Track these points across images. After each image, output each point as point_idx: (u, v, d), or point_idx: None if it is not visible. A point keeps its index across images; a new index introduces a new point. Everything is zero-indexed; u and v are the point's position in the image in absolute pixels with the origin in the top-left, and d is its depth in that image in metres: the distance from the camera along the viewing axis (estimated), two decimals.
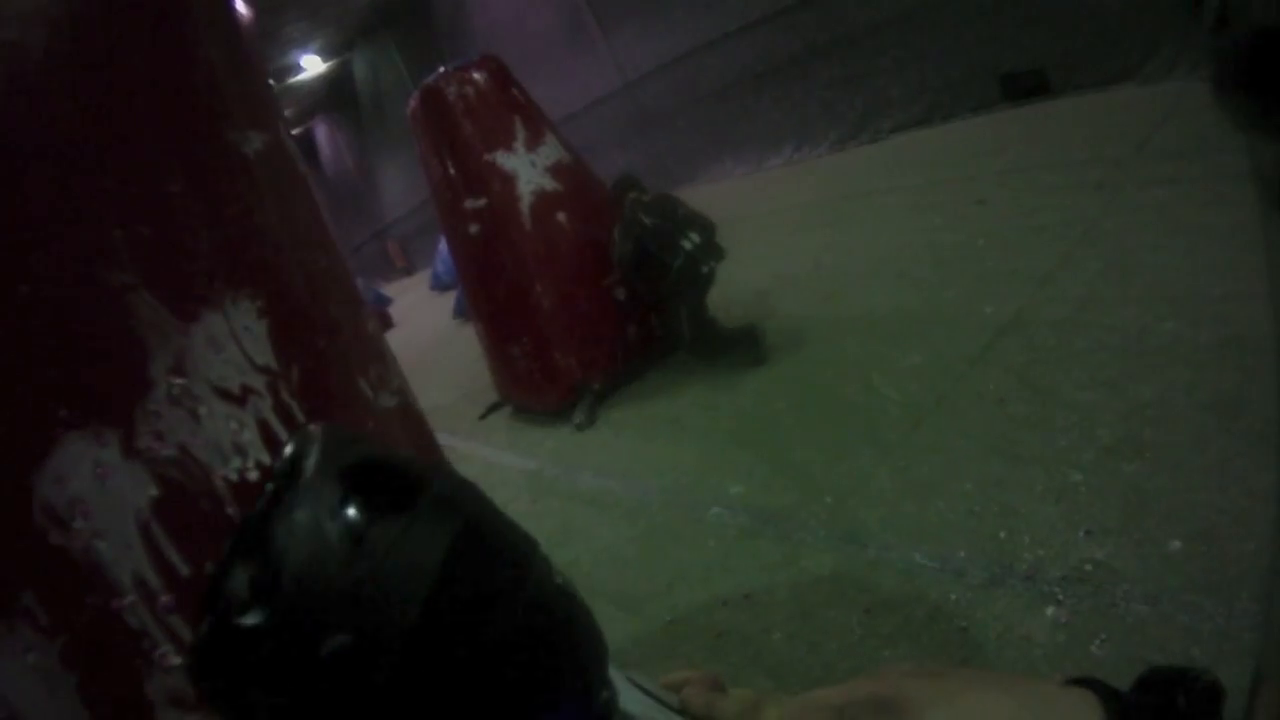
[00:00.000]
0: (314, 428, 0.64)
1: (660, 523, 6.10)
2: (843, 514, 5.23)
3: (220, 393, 1.52)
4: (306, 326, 1.77)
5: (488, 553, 0.62)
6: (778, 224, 12.88)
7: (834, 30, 15.26)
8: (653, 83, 19.59)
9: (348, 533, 0.56)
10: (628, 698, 0.75)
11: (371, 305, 23.24)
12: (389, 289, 32.39)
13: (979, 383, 5.90)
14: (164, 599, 1.40)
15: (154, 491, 1.41)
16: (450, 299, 19.56)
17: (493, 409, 10.86)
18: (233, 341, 1.56)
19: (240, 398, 1.55)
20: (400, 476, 0.61)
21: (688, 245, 7.90)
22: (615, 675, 0.75)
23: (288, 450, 0.60)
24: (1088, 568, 3.87)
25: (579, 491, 7.34)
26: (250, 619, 0.53)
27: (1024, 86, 12.74)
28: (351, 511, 0.57)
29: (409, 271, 40.47)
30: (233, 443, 1.52)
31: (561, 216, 9.10)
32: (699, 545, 5.54)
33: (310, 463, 0.58)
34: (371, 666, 0.53)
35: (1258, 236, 0.66)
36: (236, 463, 1.52)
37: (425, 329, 20.22)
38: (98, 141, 1.49)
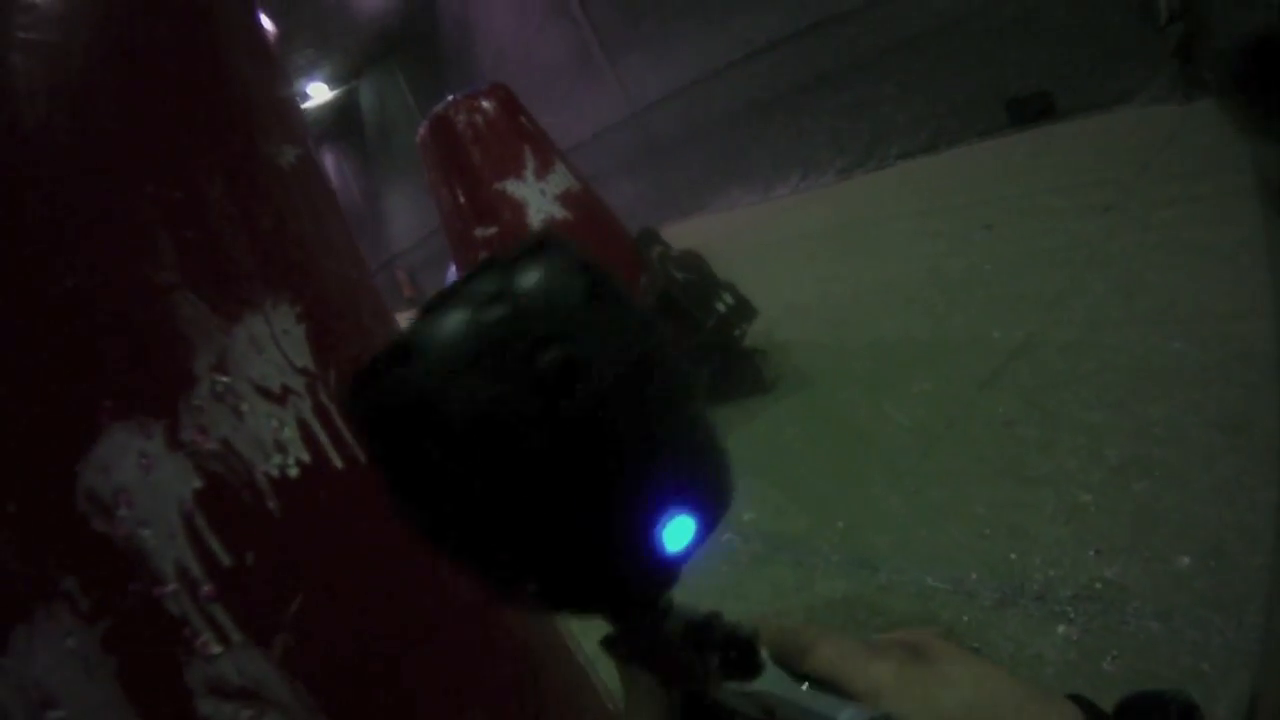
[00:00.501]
0: (549, 230, 0.68)
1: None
2: (855, 539, 5.25)
3: (262, 391, 1.56)
4: (341, 332, 1.81)
5: (677, 359, 0.66)
6: (786, 253, 12.85)
7: (840, 57, 15.30)
8: (660, 111, 19.63)
9: (584, 285, 0.61)
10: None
11: None
12: (400, 318, 32.34)
13: (988, 407, 5.90)
14: (206, 588, 1.43)
15: (197, 483, 1.44)
16: None
17: None
18: (273, 343, 1.60)
19: (281, 397, 1.59)
20: (621, 286, 0.66)
21: (721, 307, 7.89)
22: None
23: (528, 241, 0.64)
24: (1098, 586, 3.88)
25: None
26: (479, 314, 0.58)
27: (1030, 110, 12.75)
28: (588, 276, 0.62)
29: (415, 302, 40.41)
30: (274, 440, 1.56)
31: None
32: (712, 571, 5.51)
33: (554, 241, 0.64)
34: (575, 390, 0.56)
35: (1262, 255, 0.69)
36: (278, 459, 1.56)
37: None
38: (139, 146, 1.54)
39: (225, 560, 1.45)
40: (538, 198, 9.11)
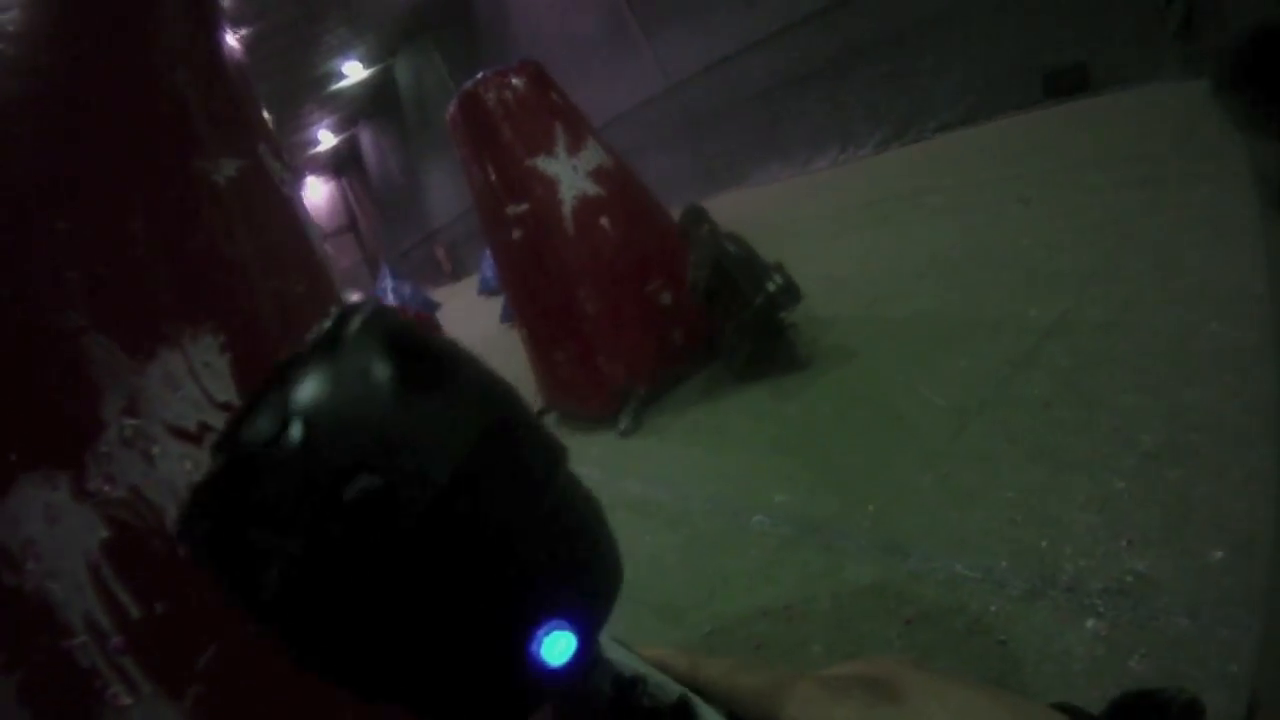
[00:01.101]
0: (361, 299, 0.63)
1: (703, 531, 6.08)
2: (885, 523, 5.18)
3: (175, 432, 1.50)
4: (273, 360, 1.72)
5: (521, 443, 0.61)
6: (824, 226, 12.81)
7: (877, 30, 15.27)
8: (696, 85, 19.63)
9: (388, 387, 0.55)
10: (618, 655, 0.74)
11: (419, 311, 23.40)
12: (438, 293, 32.55)
13: (1023, 387, 5.83)
14: (115, 640, 1.40)
15: (104, 533, 1.40)
16: (499, 303, 19.61)
17: (538, 414, 10.84)
18: (191, 379, 1.54)
19: (197, 436, 1.53)
20: (442, 359, 0.61)
21: (771, 287, 7.82)
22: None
23: (329, 318, 0.58)
24: (1129, 579, 3.79)
25: (623, 499, 7.31)
26: (273, 451, 0.51)
27: (1066, 83, 12.71)
28: (391, 372, 0.55)
29: (456, 276, 40.68)
30: (187, 484, 1.50)
31: (604, 221, 9.08)
32: (741, 554, 5.51)
33: (354, 325, 0.57)
34: (393, 518, 0.51)
35: None
36: None
37: (473, 334, 20.31)
38: (53, 180, 1.47)
39: (134, 611, 1.41)
40: (570, 174, 9.09)
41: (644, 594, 5.45)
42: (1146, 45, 11.65)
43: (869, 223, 11.78)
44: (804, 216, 13.83)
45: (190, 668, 1.45)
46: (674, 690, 0.73)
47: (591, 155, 9.34)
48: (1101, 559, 4.01)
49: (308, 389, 0.53)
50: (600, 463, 8.28)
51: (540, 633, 0.58)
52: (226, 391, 1.58)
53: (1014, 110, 13.51)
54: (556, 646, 0.59)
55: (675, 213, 10.12)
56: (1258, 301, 5.34)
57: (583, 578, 0.63)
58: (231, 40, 2.06)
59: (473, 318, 23.09)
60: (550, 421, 10.52)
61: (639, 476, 7.57)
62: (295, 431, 0.51)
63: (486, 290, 25.66)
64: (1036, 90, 13.15)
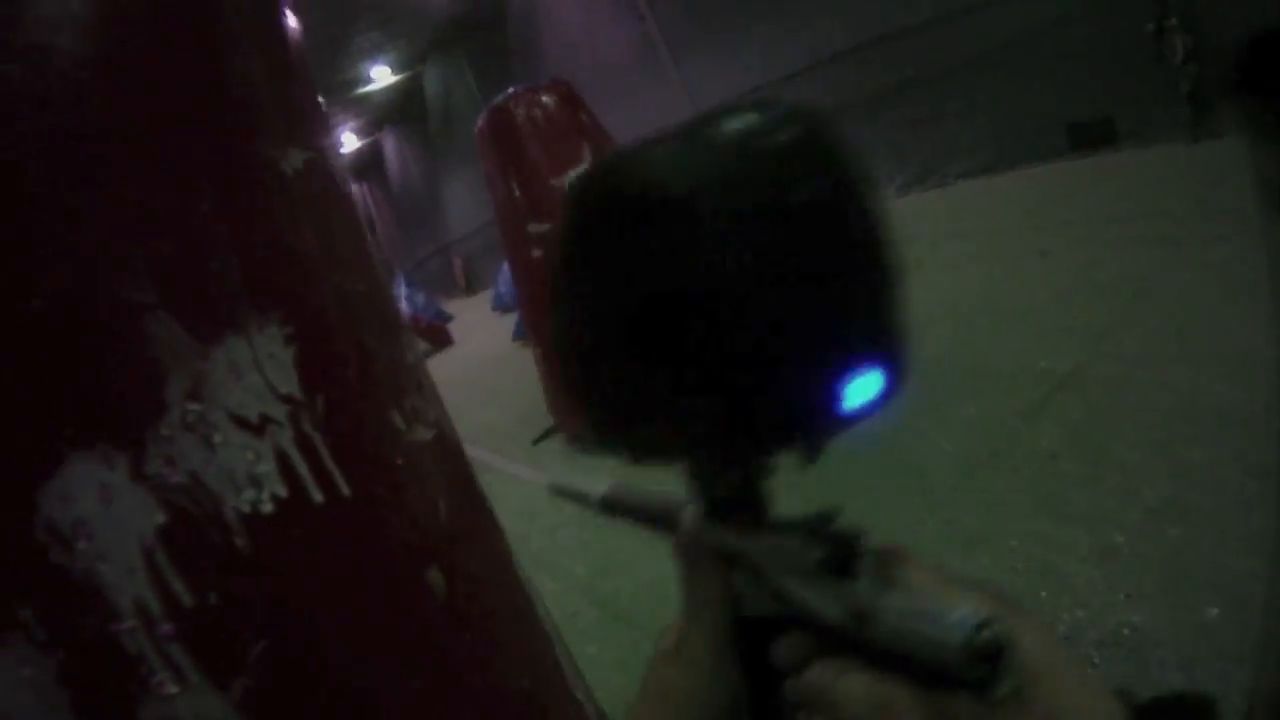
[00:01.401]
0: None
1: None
2: None
3: (238, 420, 1.50)
4: (337, 355, 1.73)
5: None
6: None
7: (903, 72, 15.25)
8: None
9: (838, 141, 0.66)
10: None
11: (432, 321, 23.33)
12: (452, 306, 32.45)
13: (1032, 438, 5.85)
14: (165, 627, 1.37)
15: (161, 518, 1.38)
16: (512, 320, 19.57)
17: (547, 434, 10.86)
18: (255, 368, 1.53)
19: (259, 427, 1.53)
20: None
21: None
22: None
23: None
24: (1125, 632, 3.82)
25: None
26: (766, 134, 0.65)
27: (1091, 136, 12.70)
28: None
29: (470, 291, 40.54)
30: (247, 473, 1.50)
31: None
32: None
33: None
34: (828, 218, 0.63)
35: None
36: (250, 494, 1.50)
37: (485, 349, 20.29)
38: (121, 153, 1.47)
39: (186, 599, 1.40)
40: None
41: (643, 619, 5.46)
42: (1172, 104, 11.67)
43: None
44: None
45: (241, 661, 1.44)
46: (852, 529, 0.77)
47: None
48: (1099, 610, 4.03)
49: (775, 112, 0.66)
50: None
51: (860, 366, 0.66)
52: (289, 384, 1.58)
53: (1037, 161, 13.49)
54: (865, 386, 0.67)
55: None
56: (1268, 365, 5.30)
57: (902, 337, 0.71)
58: (296, 32, 2.08)
59: (486, 332, 23.03)
60: (557, 441, 10.53)
61: None
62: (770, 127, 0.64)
63: (500, 307, 25.59)
64: (1061, 142, 13.13)
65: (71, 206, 1.39)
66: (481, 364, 18.75)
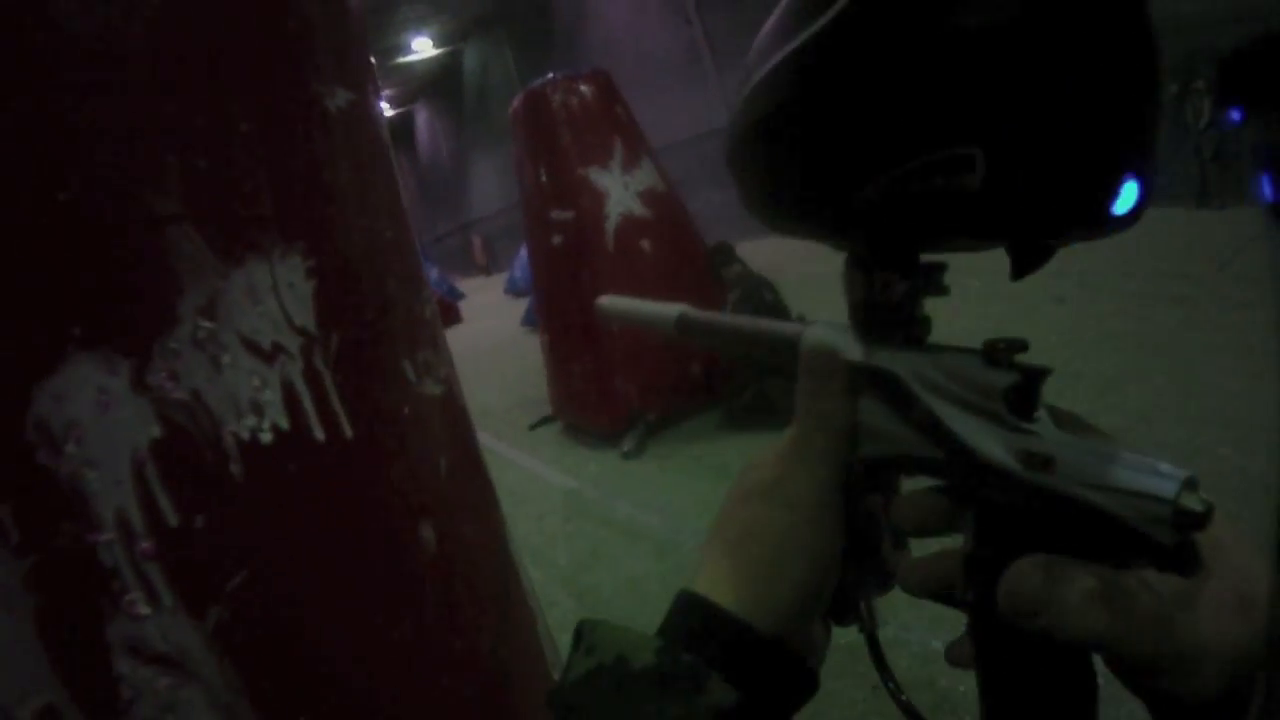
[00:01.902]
0: None
1: (689, 562, 5.96)
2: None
3: (249, 345, 1.46)
4: (357, 296, 1.70)
5: None
6: None
7: None
8: None
9: None
10: None
11: (443, 297, 23.41)
12: (465, 285, 32.59)
13: None
14: (144, 544, 1.33)
15: (156, 432, 1.35)
16: (523, 305, 19.65)
17: (544, 421, 10.90)
18: (273, 295, 1.50)
19: (270, 355, 1.49)
20: None
21: None
22: None
23: None
24: (1100, 681, 3.77)
25: (614, 519, 7.31)
26: None
27: None
28: None
29: (488, 272, 40.75)
30: (251, 399, 1.46)
31: (645, 243, 9.09)
32: None
33: None
34: (1143, 8, 0.55)
35: None
36: (251, 421, 1.46)
37: (493, 331, 20.38)
38: (166, 59, 1.44)
39: (172, 519, 1.36)
40: (620, 190, 9.11)
41: (618, 616, 5.44)
42: (1193, 166, 11.78)
43: None
44: (835, 275, 13.98)
45: (219, 589, 1.40)
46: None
47: (644, 176, 9.37)
48: None
49: None
50: (598, 480, 8.26)
51: (1133, 171, 0.60)
52: (305, 317, 1.55)
53: None
54: (1129, 193, 0.60)
55: None
56: (1272, 432, 5.33)
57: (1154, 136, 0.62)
58: None
59: (496, 315, 23.16)
60: (554, 429, 10.54)
61: (633, 500, 7.54)
62: None
63: (513, 291, 25.75)
64: None
65: (112, 106, 1.36)
66: (488, 345, 18.83)
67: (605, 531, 7.04)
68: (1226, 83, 0.60)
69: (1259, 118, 0.56)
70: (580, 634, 0.77)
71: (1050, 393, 0.65)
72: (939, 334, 0.75)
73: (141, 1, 1.40)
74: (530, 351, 12.59)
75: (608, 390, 9.12)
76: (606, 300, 1.18)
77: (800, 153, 0.68)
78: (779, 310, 7.97)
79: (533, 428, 10.86)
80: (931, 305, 0.78)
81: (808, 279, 8.26)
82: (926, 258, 0.76)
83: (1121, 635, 0.60)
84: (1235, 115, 0.54)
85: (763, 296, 8.12)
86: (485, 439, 10.68)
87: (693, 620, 0.77)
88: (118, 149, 1.36)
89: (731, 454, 7.94)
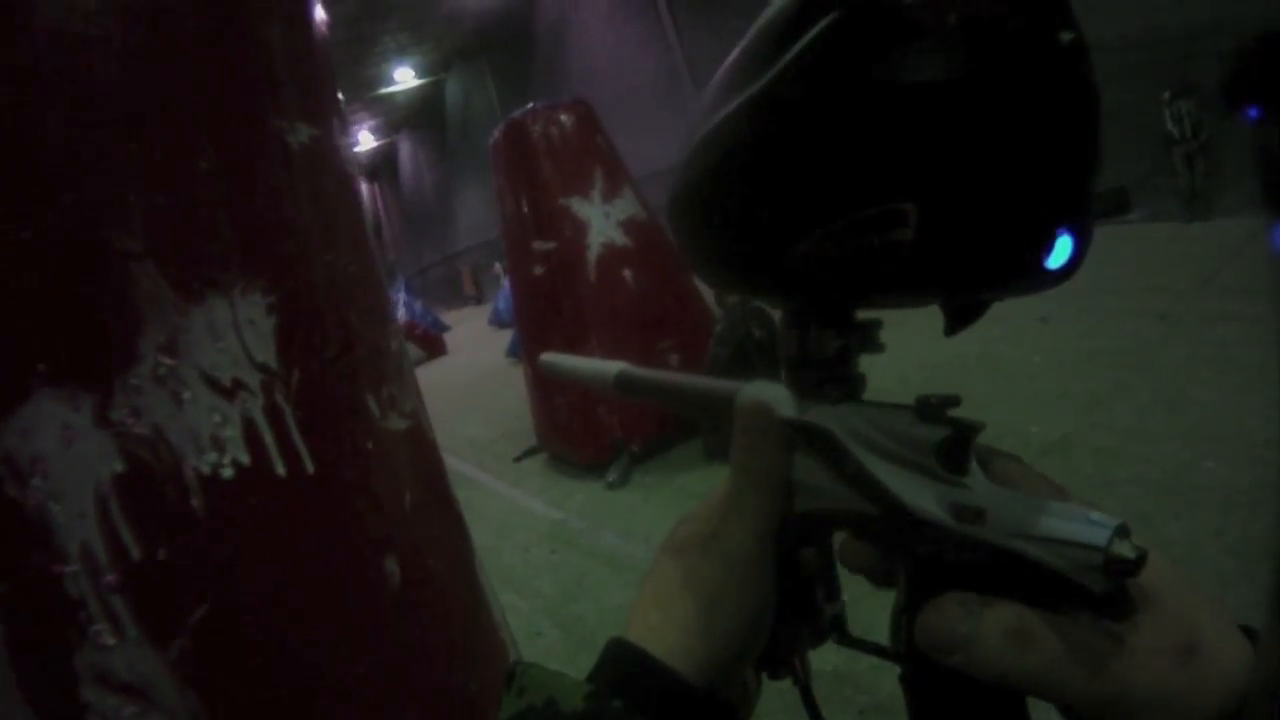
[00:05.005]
0: None
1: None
2: (856, 613, 5.13)
3: (209, 381, 1.48)
4: (319, 332, 1.71)
5: None
6: None
7: None
8: None
9: None
10: None
11: (428, 329, 23.37)
12: (451, 316, 32.54)
13: None
14: (109, 577, 1.36)
15: (119, 467, 1.37)
16: (507, 337, 19.63)
17: (529, 453, 10.87)
18: (234, 332, 1.52)
19: (230, 391, 1.51)
20: None
21: None
22: None
23: None
24: (1043, 708, 3.78)
25: (599, 549, 7.31)
26: None
27: (1104, 204, 12.81)
28: None
29: (478, 301, 40.74)
30: (211, 435, 1.48)
31: (627, 273, 9.09)
32: None
33: None
34: (1082, 64, 0.57)
35: None
36: (212, 457, 1.48)
37: (478, 363, 20.35)
38: (129, 98, 1.46)
39: (134, 553, 1.38)
40: (601, 220, 9.11)
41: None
42: (1176, 179, 11.83)
43: (887, 321, 11.80)
44: None
45: (182, 621, 1.41)
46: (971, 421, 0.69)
47: (625, 205, 9.37)
48: None
49: None
50: (583, 511, 8.24)
51: (1067, 225, 0.60)
52: (266, 353, 1.57)
53: None
54: (1063, 249, 0.60)
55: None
56: (1256, 445, 5.43)
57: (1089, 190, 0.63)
58: (320, 11, 2.08)
59: (480, 346, 23.10)
60: (539, 460, 10.53)
61: (618, 530, 7.54)
62: None
63: (497, 322, 25.74)
64: None
65: (75, 145, 1.38)
66: (472, 377, 18.80)
67: (590, 562, 7.04)
68: (1239, 82, 0.62)
69: (1273, 116, 0.58)
70: (513, 675, 0.77)
71: (1037, 413, 0.66)
72: (925, 359, 0.77)
73: (106, 34, 1.43)
74: (515, 383, 12.57)
75: (592, 421, 9.11)
76: (549, 357, 1.19)
77: (737, 209, 0.70)
78: (765, 348, 7.95)
79: (518, 459, 10.84)
80: (916, 330, 0.81)
81: None
82: (862, 314, 0.77)
83: (1044, 674, 0.60)
84: (1253, 113, 0.56)
85: (749, 331, 8.09)
86: (470, 470, 10.70)
87: (624, 668, 0.78)
88: (81, 183, 1.38)
89: (715, 484, 7.89)
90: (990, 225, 0.58)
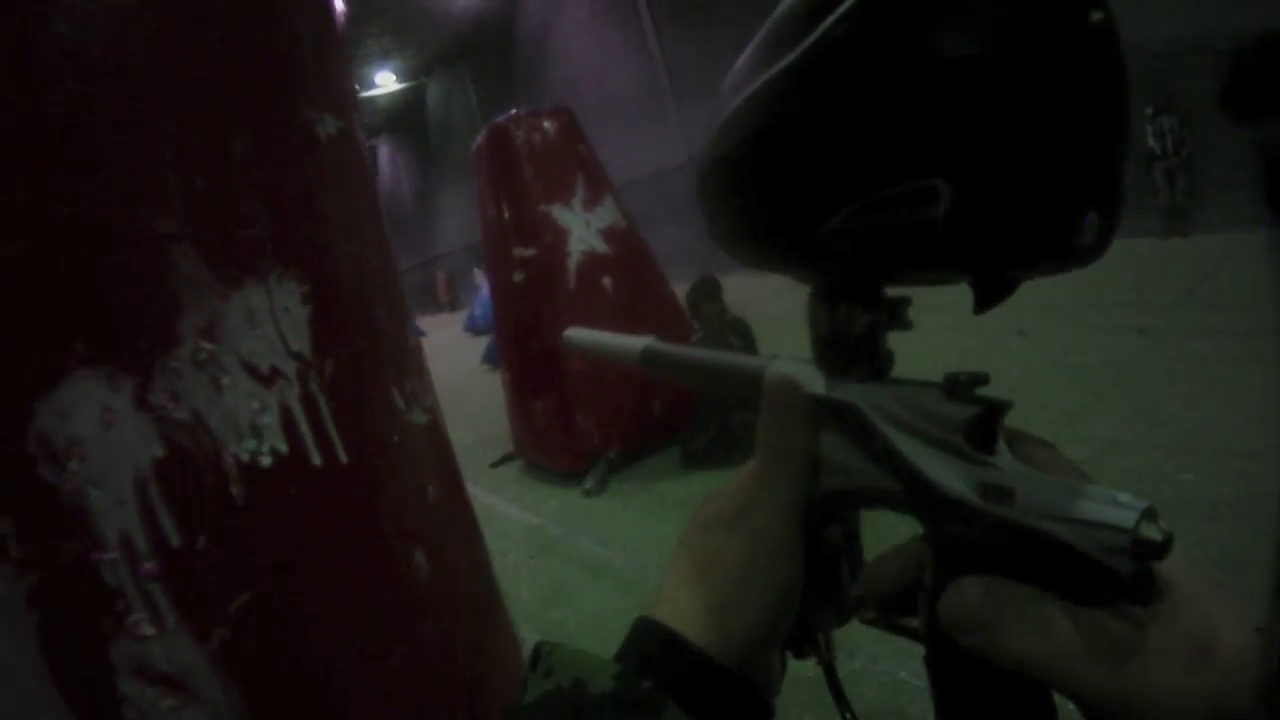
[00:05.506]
0: None
1: (653, 600, 5.96)
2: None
3: (248, 368, 1.46)
4: (349, 323, 1.71)
5: None
6: None
7: None
8: None
9: None
10: None
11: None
12: (427, 323, 32.48)
13: None
14: (148, 565, 1.33)
15: (159, 451, 1.35)
16: (482, 343, 19.59)
17: (505, 459, 10.83)
18: (270, 319, 1.51)
19: (268, 378, 1.50)
20: None
21: None
22: None
23: None
24: (1070, 706, 3.79)
25: (577, 555, 7.25)
26: None
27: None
28: None
29: (452, 307, 40.67)
30: (250, 423, 1.46)
31: (607, 281, 9.07)
32: None
33: None
34: (1113, 43, 0.57)
35: None
36: (251, 444, 1.46)
37: (454, 369, 20.28)
38: (167, 82, 1.44)
39: (174, 539, 1.36)
40: (581, 227, 9.09)
41: None
42: (1156, 196, 11.93)
43: None
44: (800, 311, 14.01)
45: (222, 610, 1.40)
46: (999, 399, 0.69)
47: (606, 213, 9.35)
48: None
49: None
50: (559, 517, 8.20)
51: (1097, 204, 0.60)
52: (301, 341, 1.56)
53: None
54: (1093, 226, 0.60)
55: (677, 286, 10.09)
56: (1235, 458, 5.50)
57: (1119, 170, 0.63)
58: (340, 2, 2.07)
59: (456, 352, 23.05)
60: (516, 467, 10.52)
61: (596, 537, 7.50)
62: None
63: (473, 329, 25.71)
64: None
65: (117, 127, 1.36)
66: (449, 383, 18.75)
67: (569, 568, 7.00)
68: (1239, 84, 0.62)
69: (1271, 120, 0.57)
70: (539, 655, 0.75)
71: (1016, 425, 0.65)
72: (901, 369, 0.76)
73: (139, 14, 1.41)
74: (491, 389, 12.54)
75: (569, 427, 9.06)
76: (573, 332, 1.17)
77: (768, 184, 0.71)
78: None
79: (494, 466, 10.78)
80: (894, 340, 0.79)
81: (768, 316, 8.27)
82: (891, 292, 0.77)
83: (1058, 663, 0.61)
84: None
85: (727, 341, 8.08)
86: None
87: (651, 647, 0.76)
88: (121, 163, 1.36)
89: (694, 491, 7.89)
90: (1021, 203, 0.58)
